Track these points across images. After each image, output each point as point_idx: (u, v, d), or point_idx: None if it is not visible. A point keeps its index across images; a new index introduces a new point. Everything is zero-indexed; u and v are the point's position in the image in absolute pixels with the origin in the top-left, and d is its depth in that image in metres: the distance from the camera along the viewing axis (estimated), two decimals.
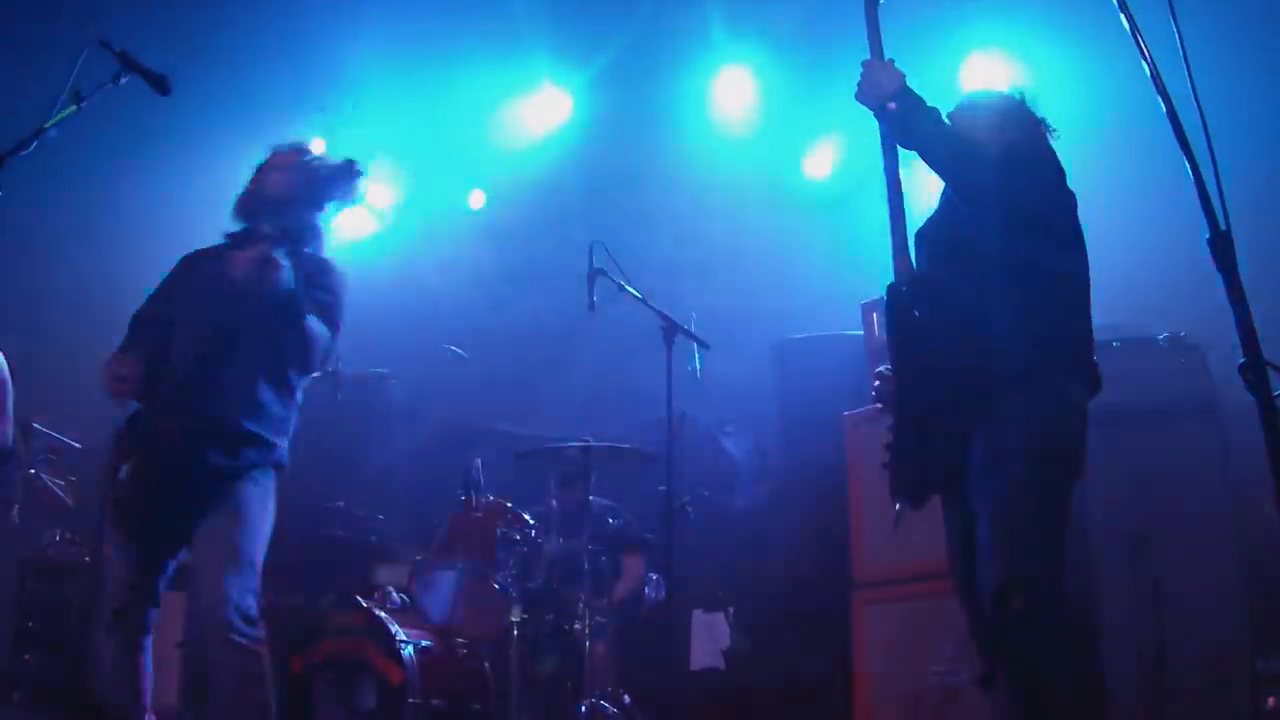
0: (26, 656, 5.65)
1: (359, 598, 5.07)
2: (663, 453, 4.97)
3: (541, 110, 8.22)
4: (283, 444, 3.66)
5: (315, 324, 3.54)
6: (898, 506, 3.04)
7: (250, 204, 3.77)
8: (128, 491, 3.50)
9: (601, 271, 5.17)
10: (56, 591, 5.89)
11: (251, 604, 3.39)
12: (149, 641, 3.58)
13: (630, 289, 5.23)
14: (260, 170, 3.86)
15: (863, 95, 3.09)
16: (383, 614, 4.90)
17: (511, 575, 5.00)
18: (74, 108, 3.08)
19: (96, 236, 7.95)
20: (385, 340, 8.06)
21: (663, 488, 4.91)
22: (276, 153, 3.90)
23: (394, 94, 8.15)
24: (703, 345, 5.25)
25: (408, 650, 4.70)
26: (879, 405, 3.21)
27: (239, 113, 8.02)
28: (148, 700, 3.55)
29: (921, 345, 2.92)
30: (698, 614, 5.45)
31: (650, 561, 5.53)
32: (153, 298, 3.82)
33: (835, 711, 4.35)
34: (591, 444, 5.18)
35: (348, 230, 8.98)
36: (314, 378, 3.85)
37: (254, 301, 3.42)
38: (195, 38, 7.35)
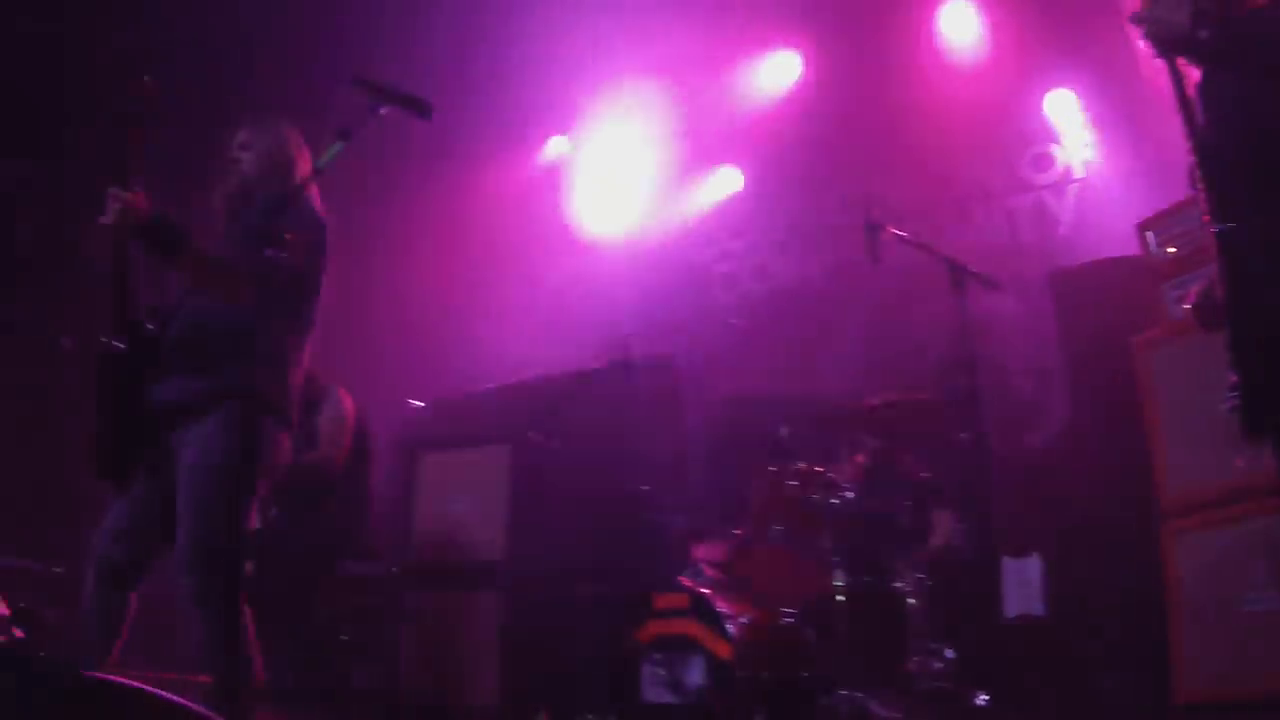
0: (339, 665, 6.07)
1: (680, 578, 5.20)
2: (959, 399, 4.86)
3: (773, 72, 8.19)
4: (247, 368, 3.53)
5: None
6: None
7: None
8: None
9: (878, 224, 5.08)
10: (360, 602, 6.27)
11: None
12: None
13: (907, 237, 5.14)
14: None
15: (1154, 35, 2.85)
16: (706, 591, 5.01)
17: (829, 540, 4.99)
18: (340, 145, 3.19)
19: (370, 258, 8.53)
20: (664, 320, 8.25)
21: (964, 434, 4.81)
22: None
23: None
24: (991, 284, 5.08)
25: (734, 625, 4.79)
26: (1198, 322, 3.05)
27: (494, 125, 8.42)
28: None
29: (1247, 275, 2.78)
30: (1006, 560, 5.30)
31: (958, 511, 5.42)
32: None
33: (1153, 645, 4.21)
34: (891, 398, 5.10)
35: (608, 222, 9.27)
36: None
37: None
38: (445, 60, 7.72)
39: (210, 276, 3.54)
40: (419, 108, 3.30)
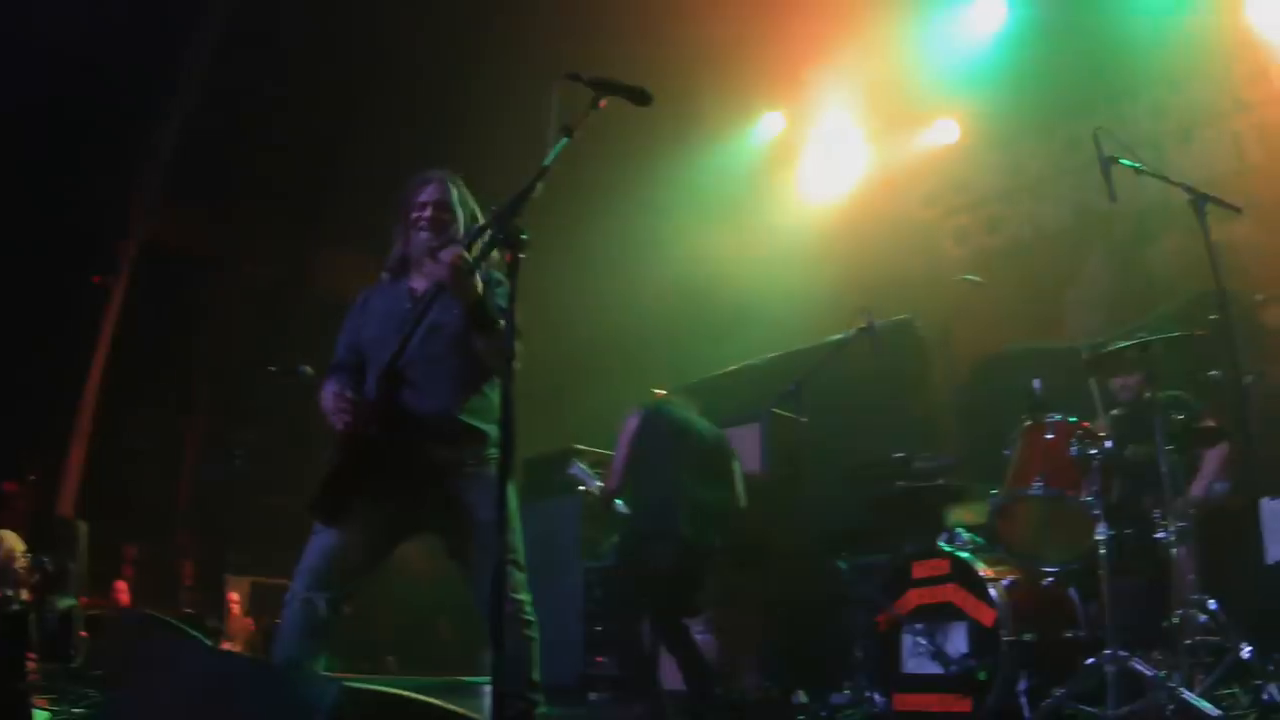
0: (599, 659, 6.22)
1: (938, 543, 5.10)
2: (1213, 334, 4.54)
3: (979, 20, 8.02)
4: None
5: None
6: None
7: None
8: None
9: (1113, 159, 4.80)
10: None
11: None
12: None
13: (1146, 168, 4.83)
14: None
15: None
16: (965, 555, 4.91)
17: (1092, 492, 4.78)
18: (565, 141, 3.17)
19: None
20: (898, 282, 8.10)
21: (1214, 373, 4.49)
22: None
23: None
24: (1231, 208, 4.71)
25: (996, 589, 4.68)
26: None
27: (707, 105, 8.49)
28: None
29: None
30: (1266, 502, 4.89)
31: (1217, 453, 5.08)
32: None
33: None
34: (1147, 338, 4.80)
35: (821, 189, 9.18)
36: None
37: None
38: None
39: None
40: (638, 96, 3.28)
